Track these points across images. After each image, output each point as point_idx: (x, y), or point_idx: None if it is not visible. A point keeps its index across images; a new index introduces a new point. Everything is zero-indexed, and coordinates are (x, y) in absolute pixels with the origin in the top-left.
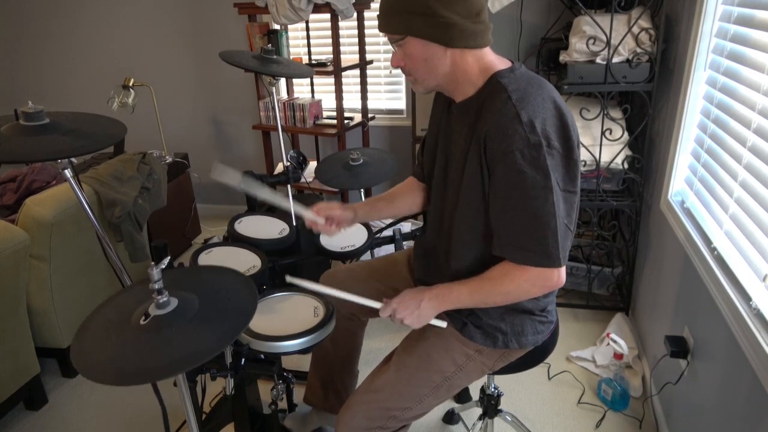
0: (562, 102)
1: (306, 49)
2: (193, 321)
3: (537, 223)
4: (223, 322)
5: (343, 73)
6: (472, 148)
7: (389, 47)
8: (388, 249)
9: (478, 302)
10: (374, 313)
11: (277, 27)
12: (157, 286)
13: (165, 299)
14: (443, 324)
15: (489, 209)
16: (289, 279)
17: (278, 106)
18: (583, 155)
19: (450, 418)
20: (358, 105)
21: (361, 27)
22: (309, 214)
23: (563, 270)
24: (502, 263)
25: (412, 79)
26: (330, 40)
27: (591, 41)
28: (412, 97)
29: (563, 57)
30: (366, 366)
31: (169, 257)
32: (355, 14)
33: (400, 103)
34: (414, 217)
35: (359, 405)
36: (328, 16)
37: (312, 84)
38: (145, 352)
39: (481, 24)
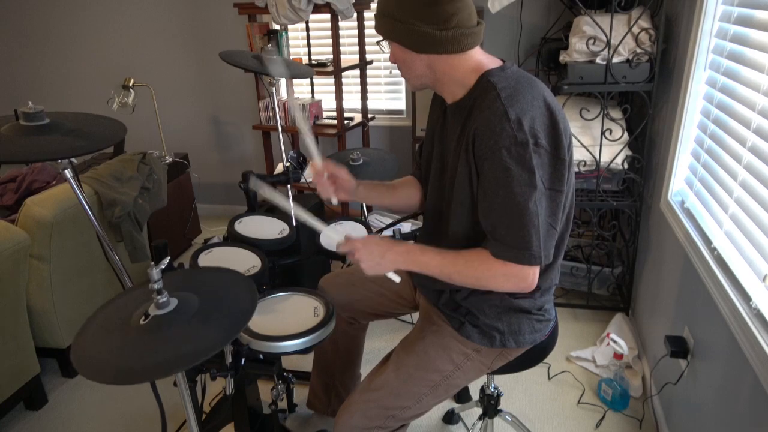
0: (553, 101)
1: (306, 50)
2: (193, 320)
3: (521, 222)
4: (222, 321)
5: (343, 74)
6: (462, 147)
7: (388, 47)
8: None
9: (446, 276)
10: (364, 303)
11: (277, 27)
12: (156, 286)
13: (165, 299)
14: (397, 279)
15: (477, 207)
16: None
17: (278, 107)
18: (583, 155)
19: (450, 418)
20: (358, 105)
21: (361, 27)
22: (317, 160)
23: (538, 270)
24: (484, 248)
25: (402, 75)
26: (330, 41)
27: (591, 41)
28: (412, 97)
29: (563, 57)
30: (366, 365)
31: (168, 257)
32: (355, 14)
33: (400, 103)
34: (414, 216)
35: (358, 404)
36: (328, 16)
37: (312, 84)
38: (144, 351)
39: (453, 30)
